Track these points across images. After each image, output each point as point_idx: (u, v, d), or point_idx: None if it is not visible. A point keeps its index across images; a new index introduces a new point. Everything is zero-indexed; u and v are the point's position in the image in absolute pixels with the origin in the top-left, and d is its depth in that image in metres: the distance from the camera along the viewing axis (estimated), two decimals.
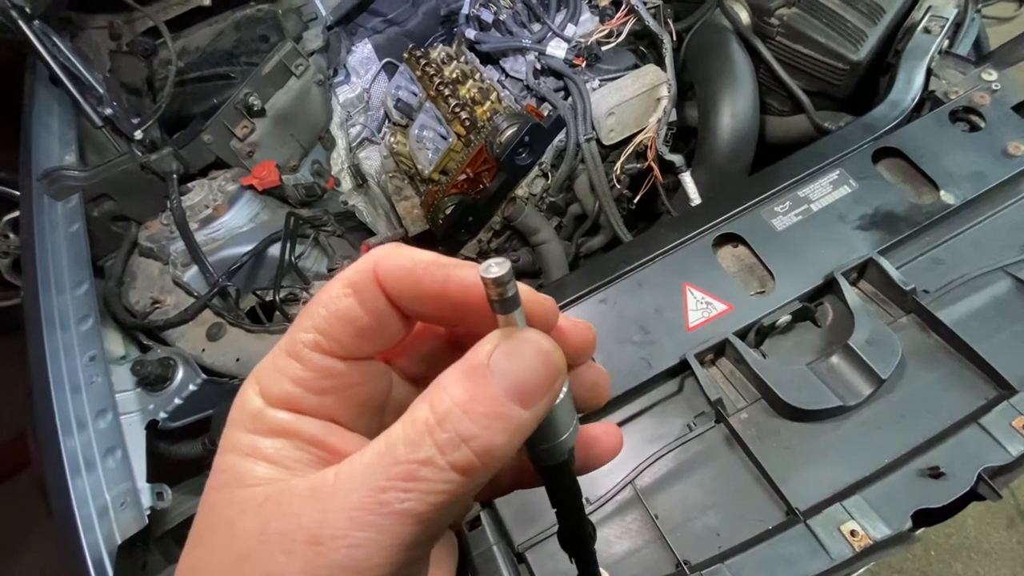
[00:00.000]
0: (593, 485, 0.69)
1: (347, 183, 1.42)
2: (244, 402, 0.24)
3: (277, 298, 1.04)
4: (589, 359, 0.28)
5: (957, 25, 1.03)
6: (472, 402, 0.21)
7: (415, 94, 1.34)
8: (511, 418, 0.21)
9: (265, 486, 0.22)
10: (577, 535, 0.31)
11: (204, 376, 0.88)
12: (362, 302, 0.24)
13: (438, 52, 1.35)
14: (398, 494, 0.20)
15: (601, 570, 0.34)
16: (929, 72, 0.94)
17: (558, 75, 1.25)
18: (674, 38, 1.23)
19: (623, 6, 1.26)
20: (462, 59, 1.36)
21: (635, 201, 1.32)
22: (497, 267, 0.21)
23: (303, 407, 0.24)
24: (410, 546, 0.21)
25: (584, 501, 0.68)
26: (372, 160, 1.47)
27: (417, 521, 0.20)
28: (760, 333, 0.75)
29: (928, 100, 0.92)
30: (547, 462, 0.26)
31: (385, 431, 0.22)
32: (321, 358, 0.24)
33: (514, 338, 0.22)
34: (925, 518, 0.60)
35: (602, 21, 1.28)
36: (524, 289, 0.25)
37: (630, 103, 1.18)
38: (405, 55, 1.36)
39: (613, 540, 0.66)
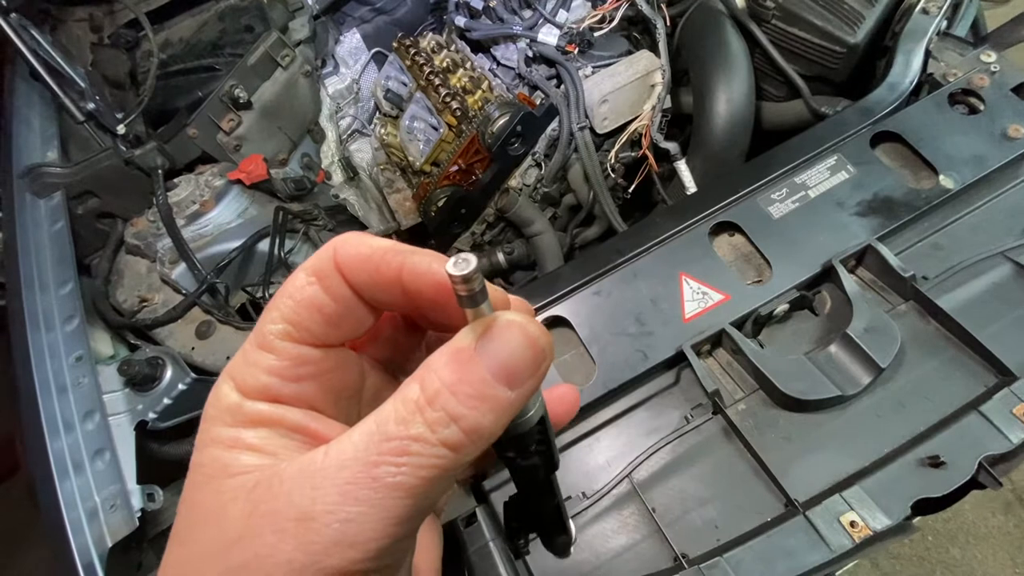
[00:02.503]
0: (590, 479, 0.69)
1: (338, 176, 1.40)
2: (220, 398, 0.24)
3: (267, 294, 1.02)
4: None
5: (955, 6, 1.01)
6: (460, 383, 0.22)
7: (405, 84, 1.32)
8: (498, 399, 0.22)
9: (254, 472, 0.22)
10: (542, 509, 0.32)
11: (193, 375, 0.86)
12: (327, 289, 0.24)
13: (428, 41, 1.32)
14: (390, 468, 0.21)
15: (570, 523, 0.35)
16: (928, 54, 0.92)
17: (550, 62, 1.23)
18: (668, 23, 1.20)
19: None
20: (452, 48, 1.33)
21: (630, 190, 1.30)
22: (464, 263, 0.21)
23: (281, 396, 0.24)
24: (401, 520, 0.21)
25: (581, 495, 0.68)
26: (363, 152, 1.45)
27: (408, 495, 0.21)
28: (757, 323, 0.74)
29: (927, 83, 0.91)
30: (510, 434, 0.26)
31: (375, 411, 0.22)
32: (293, 346, 0.24)
33: (501, 321, 0.23)
34: (925, 507, 0.59)
35: (594, 6, 1.26)
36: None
37: (624, 90, 1.16)
38: (394, 44, 1.34)
39: (611, 534, 0.66)
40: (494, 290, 0.25)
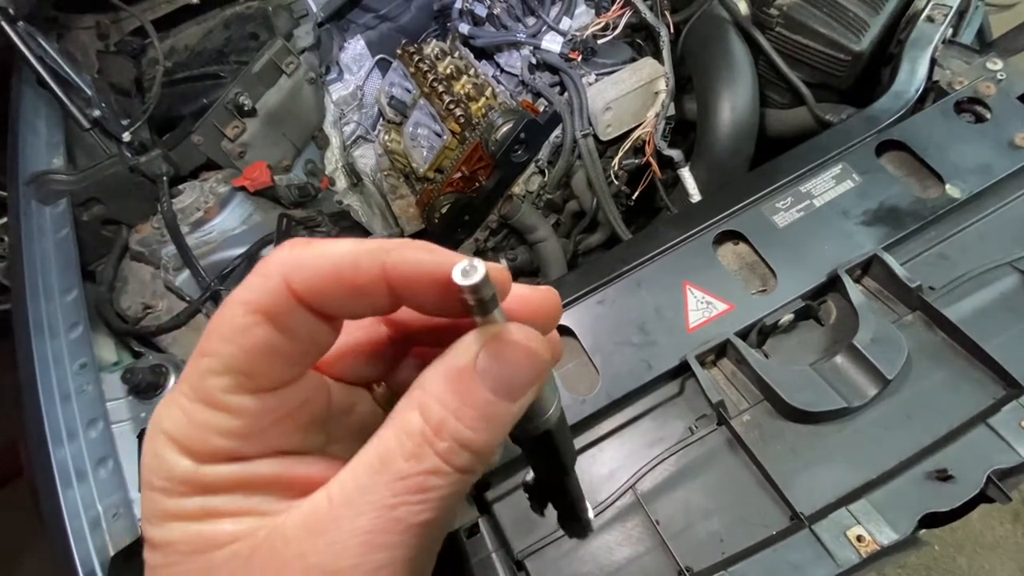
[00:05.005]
0: (593, 491, 0.68)
1: (342, 182, 1.40)
2: (166, 466, 0.21)
3: None
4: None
5: (960, 13, 1.01)
6: (464, 407, 0.21)
7: (409, 91, 1.32)
8: (502, 415, 0.22)
9: (245, 539, 0.21)
10: (563, 495, 0.33)
11: None
12: (281, 327, 0.21)
13: (432, 48, 1.32)
14: (412, 508, 0.20)
15: (587, 509, 0.36)
16: (933, 62, 0.92)
17: (554, 70, 1.23)
18: (671, 30, 1.20)
19: None
20: (456, 54, 1.34)
21: (633, 197, 1.30)
22: (472, 271, 0.20)
23: (243, 454, 0.22)
24: (429, 550, 0.21)
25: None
26: (367, 159, 1.45)
27: (432, 526, 0.21)
28: (762, 333, 0.73)
29: (932, 91, 0.90)
30: (532, 435, 0.26)
31: (372, 444, 0.21)
32: (249, 400, 0.21)
33: (499, 339, 0.22)
34: (932, 521, 0.59)
35: (598, 14, 1.26)
36: (521, 290, 0.24)
37: (627, 97, 1.16)
38: (398, 51, 1.34)
39: (614, 547, 0.65)
40: (515, 287, 0.24)
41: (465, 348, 0.22)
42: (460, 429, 0.21)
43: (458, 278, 0.20)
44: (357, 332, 0.26)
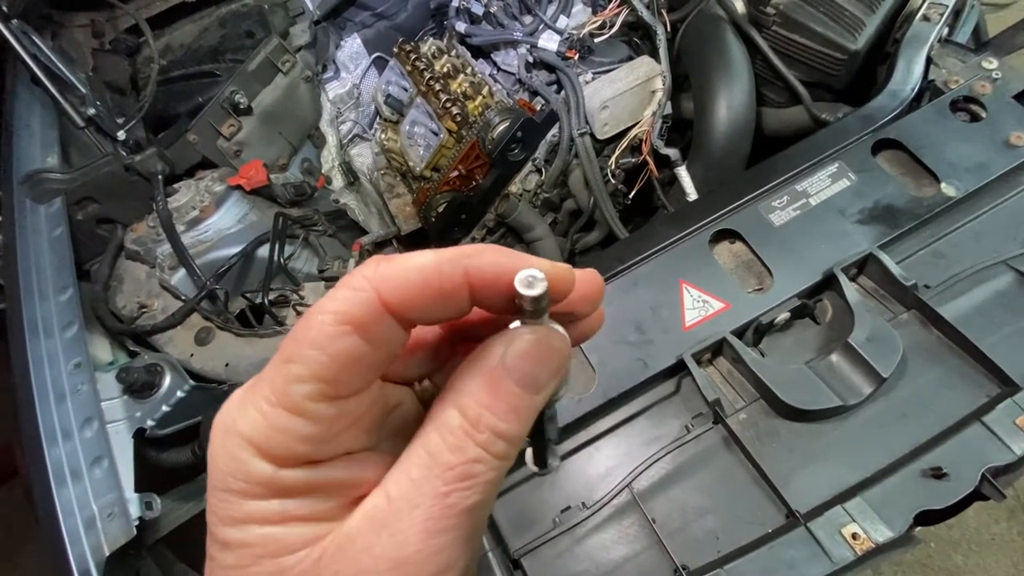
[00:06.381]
0: (589, 489, 0.68)
1: (338, 181, 1.40)
2: (246, 469, 0.22)
3: (266, 301, 1.02)
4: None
5: (956, 12, 1.01)
6: (496, 402, 0.23)
7: (406, 89, 1.32)
8: (529, 406, 0.24)
9: (314, 544, 0.22)
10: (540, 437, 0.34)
11: (192, 382, 0.86)
12: (369, 337, 0.22)
13: (428, 46, 1.32)
14: (462, 494, 0.22)
15: (556, 450, 0.37)
16: (929, 61, 0.92)
17: (551, 68, 1.23)
18: (668, 29, 1.20)
19: None
20: (453, 53, 1.33)
21: (630, 196, 1.30)
22: (535, 281, 0.23)
23: (319, 458, 0.23)
24: (478, 530, 0.24)
25: (581, 505, 0.68)
26: (364, 157, 1.45)
27: (481, 509, 0.23)
28: (758, 331, 0.73)
29: (928, 90, 0.90)
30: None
31: (416, 443, 0.24)
32: (329, 407, 0.22)
33: (523, 338, 0.24)
34: (927, 518, 0.59)
35: (595, 12, 1.26)
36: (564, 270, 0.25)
37: (624, 96, 1.16)
38: (395, 49, 1.34)
39: (610, 545, 0.65)
40: (560, 268, 0.25)
41: (495, 350, 0.24)
42: (494, 421, 0.23)
43: (521, 288, 0.23)
44: (416, 334, 0.28)
